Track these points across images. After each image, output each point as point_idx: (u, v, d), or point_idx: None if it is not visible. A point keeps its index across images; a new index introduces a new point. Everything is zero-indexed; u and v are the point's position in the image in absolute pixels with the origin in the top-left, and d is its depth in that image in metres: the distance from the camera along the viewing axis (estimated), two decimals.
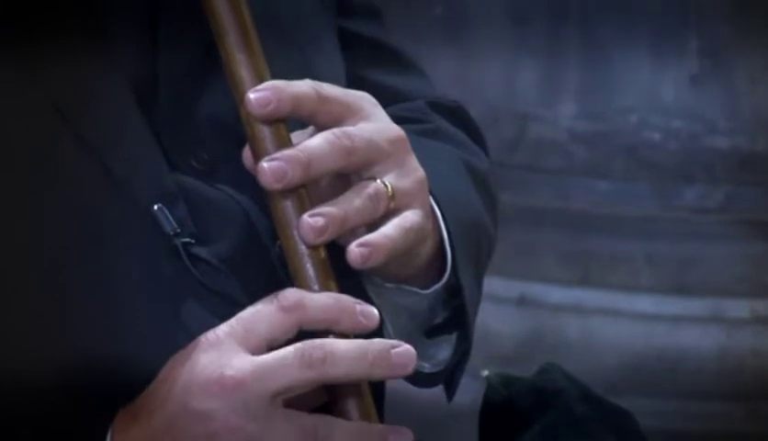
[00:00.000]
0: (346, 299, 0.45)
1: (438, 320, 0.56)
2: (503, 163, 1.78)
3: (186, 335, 0.45)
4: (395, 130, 0.47)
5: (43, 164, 0.46)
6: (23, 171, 0.46)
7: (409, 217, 0.46)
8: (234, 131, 0.47)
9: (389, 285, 0.51)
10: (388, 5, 1.67)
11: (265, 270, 0.49)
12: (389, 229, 0.45)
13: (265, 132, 0.43)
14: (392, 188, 0.45)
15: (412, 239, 0.47)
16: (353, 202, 0.44)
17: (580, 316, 1.86)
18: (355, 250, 0.44)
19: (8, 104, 0.46)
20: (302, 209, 0.43)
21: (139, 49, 0.50)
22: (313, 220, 0.42)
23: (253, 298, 0.45)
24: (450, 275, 0.51)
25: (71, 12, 0.48)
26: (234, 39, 0.45)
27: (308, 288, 0.43)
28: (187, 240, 0.48)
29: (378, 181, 0.45)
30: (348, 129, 0.44)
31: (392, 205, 0.45)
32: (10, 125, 0.46)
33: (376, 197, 0.45)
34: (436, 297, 0.54)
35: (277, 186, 0.42)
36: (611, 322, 1.84)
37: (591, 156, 1.93)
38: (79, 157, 0.47)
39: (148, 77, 0.50)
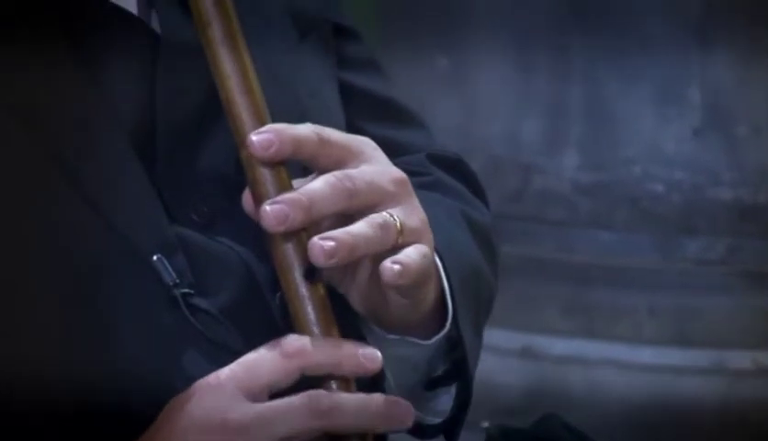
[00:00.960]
0: (348, 343, 0.45)
1: (439, 371, 0.55)
2: (506, 214, 1.79)
3: (186, 384, 0.45)
4: (397, 172, 0.48)
5: (44, 215, 0.47)
6: (24, 221, 0.47)
7: (421, 248, 0.46)
8: (233, 183, 0.48)
9: (390, 336, 0.51)
10: (391, 56, 1.69)
11: (265, 321, 0.49)
12: (410, 250, 0.45)
13: (266, 175, 0.43)
14: (401, 223, 0.45)
15: (425, 268, 0.46)
16: (363, 230, 0.44)
17: (583, 367, 1.84)
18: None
19: (9, 155, 0.47)
20: (303, 253, 0.43)
21: (137, 99, 0.51)
22: (324, 243, 0.42)
23: (252, 348, 0.45)
24: (451, 325, 0.51)
25: (71, 64, 0.49)
26: (235, 82, 0.45)
27: (309, 331, 0.43)
28: (187, 290, 0.48)
29: (387, 214, 0.45)
30: (350, 171, 0.45)
31: (401, 240, 0.45)
32: (11, 176, 0.46)
33: (386, 227, 0.45)
34: (437, 348, 0.53)
35: (279, 228, 0.42)
36: (614, 373, 1.83)
37: (594, 207, 1.94)
38: (79, 208, 0.47)
39: (147, 128, 0.50)
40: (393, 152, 0.54)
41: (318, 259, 0.42)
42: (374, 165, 0.47)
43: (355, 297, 0.49)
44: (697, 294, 1.84)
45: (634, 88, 1.88)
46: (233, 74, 0.45)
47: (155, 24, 0.52)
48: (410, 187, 0.48)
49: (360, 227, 0.44)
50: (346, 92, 0.63)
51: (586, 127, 1.92)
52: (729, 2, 1.92)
